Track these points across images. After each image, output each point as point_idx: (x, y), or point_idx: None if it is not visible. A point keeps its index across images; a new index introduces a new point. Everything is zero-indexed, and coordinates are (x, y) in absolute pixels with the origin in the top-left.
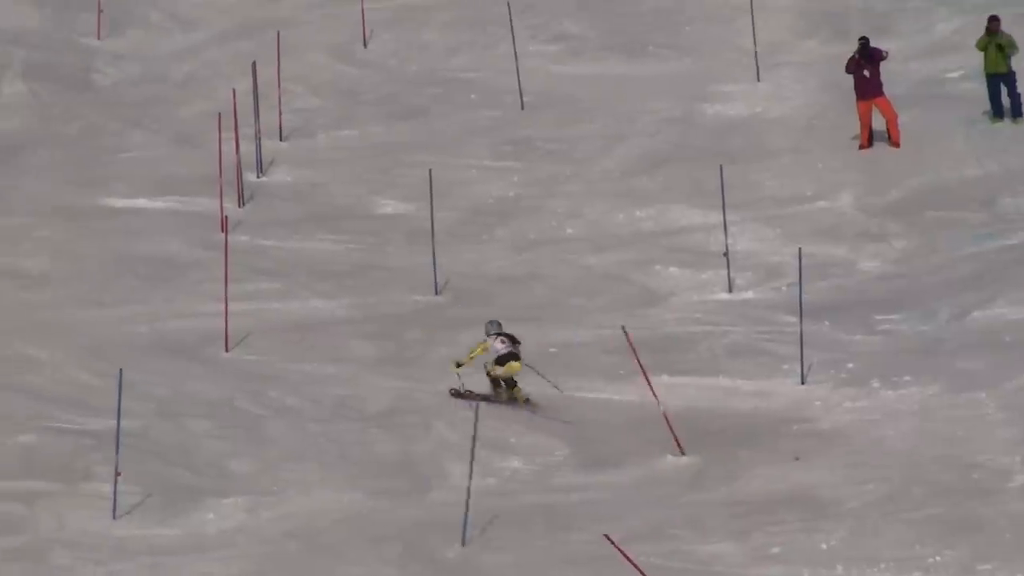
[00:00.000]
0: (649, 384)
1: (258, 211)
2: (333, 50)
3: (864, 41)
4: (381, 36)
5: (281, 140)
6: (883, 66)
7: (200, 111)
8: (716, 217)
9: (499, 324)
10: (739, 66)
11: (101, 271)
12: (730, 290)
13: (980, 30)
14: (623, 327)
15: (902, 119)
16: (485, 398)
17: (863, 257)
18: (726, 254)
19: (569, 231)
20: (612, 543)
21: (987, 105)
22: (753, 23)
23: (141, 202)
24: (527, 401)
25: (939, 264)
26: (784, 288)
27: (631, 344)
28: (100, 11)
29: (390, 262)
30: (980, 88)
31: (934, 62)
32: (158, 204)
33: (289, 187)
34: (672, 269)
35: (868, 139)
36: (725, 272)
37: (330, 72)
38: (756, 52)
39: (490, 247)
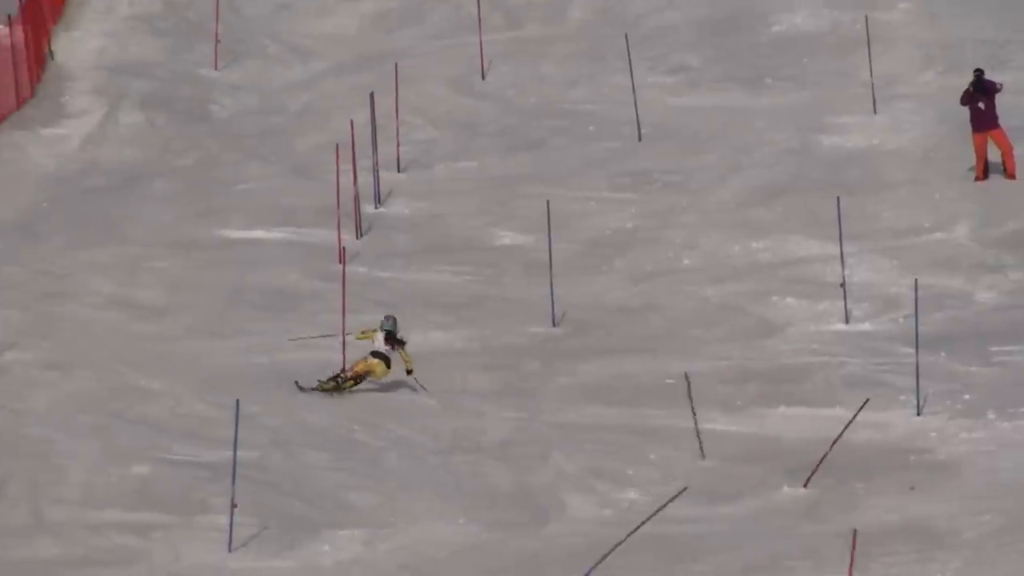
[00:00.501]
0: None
1: (375, 242)
2: (451, 82)
3: (979, 73)
4: (499, 68)
5: (399, 171)
6: (998, 98)
7: (317, 142)
8: (833, 248)
9: (394, 322)
10: (856, 98)
11: (217, 302)
12: (847, 321)
13: None
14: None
15: (1017, 151)
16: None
17: (979, 288)
18: (843, 285)
19: (686, 262)
20: None
21: None
22: (870, 55)
23: (258, 233)
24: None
25: None
26: (901, 319)
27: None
28: (218, 42)
29: (507, 293)
30: None
31: None
32: (275, 235)
33: (406, 219)
34: (789, 300)
35: (984, 171)
36: (842, 303)
37: (448, 104)
38: (873, 84)
39: (607, 278)
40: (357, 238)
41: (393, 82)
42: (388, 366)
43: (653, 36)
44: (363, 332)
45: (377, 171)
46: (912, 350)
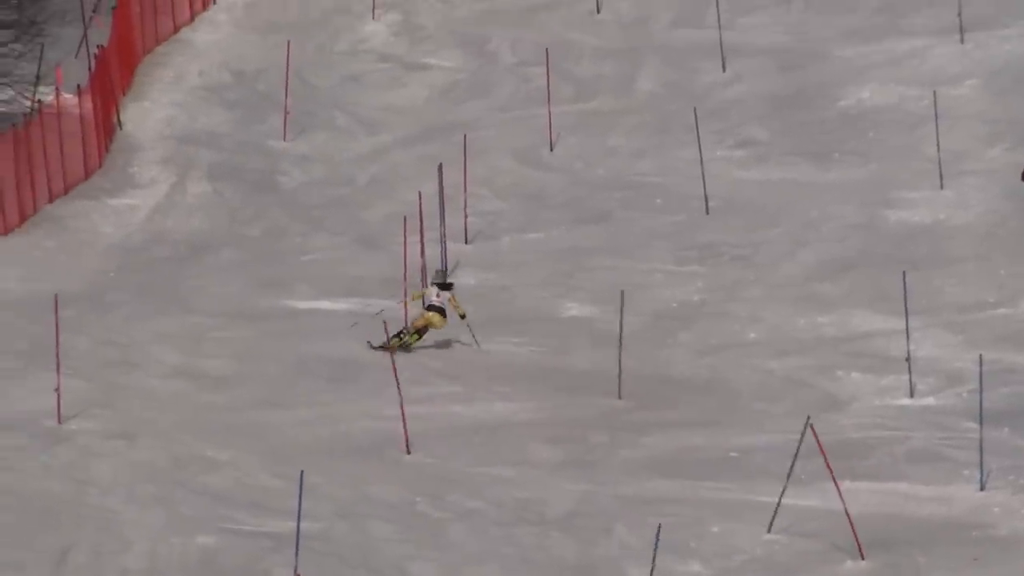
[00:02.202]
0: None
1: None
2: (519, 153)
3: None
4: (567, 140)
5: (466, 243)
6: None
7: (384, 213)
8: (898, 323)
9: (443, 275)
10: (922, 173)
11: (282, 372)
12: (911, 395)
13: None
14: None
15: None
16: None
17: None
18: (908, 359)
19: (751, 335)
20: None
21: None
22: (937, 130)
23: (324, 304)
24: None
25: None
26: (965, 394)
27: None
28: (287, 114)
29: (573, 365)
30: None
31: None
32: (341, 306)
33: (473, 289)
34: (854, 374)
35: None
36: (906, 378)
37: (515, 175)
38: (940, 159)
39: (673, 351)
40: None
41: (461, 153)
42: (444, 316)
43: (721, 109)
44: (416, 294)
45: (444, 242)
46: (976, 425)
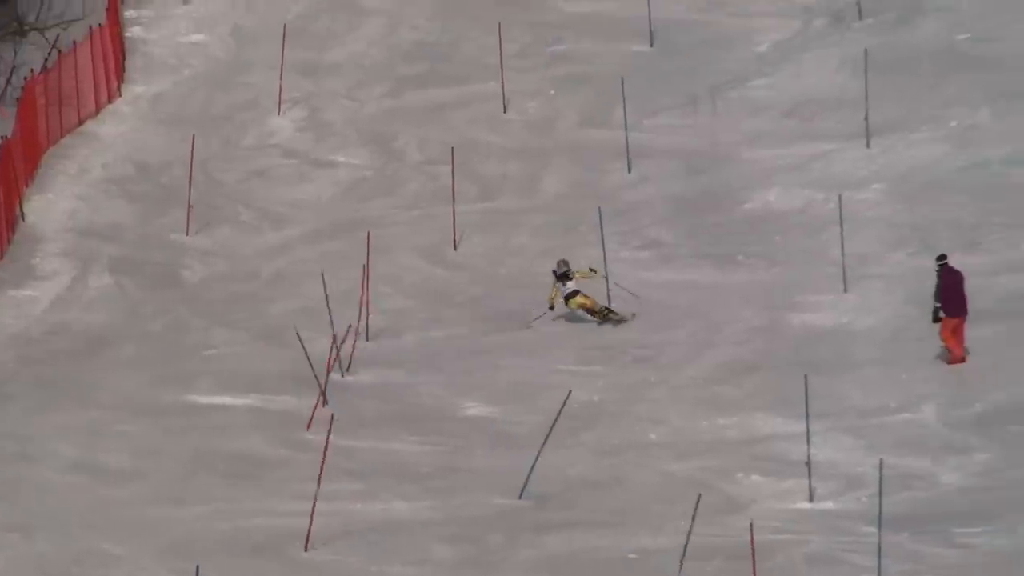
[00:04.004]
0: None
1: (342, 410)
2: (423, 251)
3: (943, 260)
4: (472, 239)
5: (368, 340)
6: (969, 281)
7: (287, 309)
8: (799, 426)
9: (564, 263)
10: (827, 276)
11: (182, 468)
12: (811, 499)
13: None
14: None
15: (987, 333)
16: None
17: (945, 470)
18: (808, 463)
19: (653, 437)
20: None
21: None
22: (842, 234)
23: (225, 399)
24: (617, 320)
25: (1020, 478)
26: (864, 498)
27: None
28: (191, 207)
29: (474, 464)
30: None
31: (1020, 277)
32: (242, 401)
33: (375, 387)
34: (754, 477)
35: (960, 354)
36: (807, 481)
37: (420, 273)
38: (844, 263)
39: (574, 451)
40: (323, 405)
41: (365, 250)
42: (580, 295)
43: (627, 211)
44: (551, 297)
45: (346, 339)
46: (875, 529)
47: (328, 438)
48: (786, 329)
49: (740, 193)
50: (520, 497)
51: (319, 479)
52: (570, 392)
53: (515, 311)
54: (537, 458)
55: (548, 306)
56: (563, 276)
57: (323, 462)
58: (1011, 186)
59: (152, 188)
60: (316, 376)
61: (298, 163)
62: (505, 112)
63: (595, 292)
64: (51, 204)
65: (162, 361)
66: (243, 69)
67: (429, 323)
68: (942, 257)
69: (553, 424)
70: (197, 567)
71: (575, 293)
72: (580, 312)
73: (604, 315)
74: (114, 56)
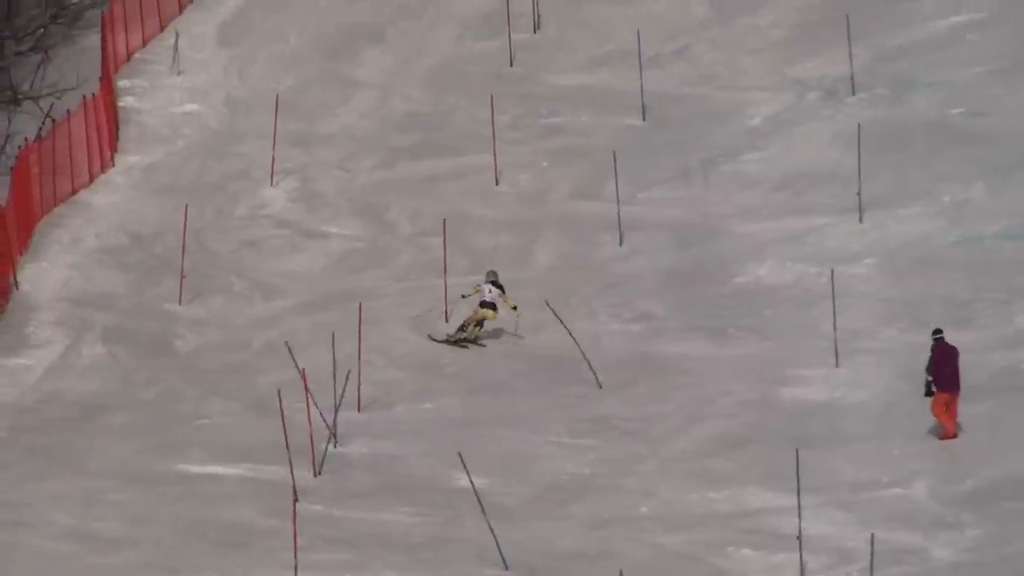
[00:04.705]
0: None
1: (333, 481)
2: (414, 323)
3: (938, 335)
4: (462, 310)
5: (359, 411)
6: (962, 356)
7: (279, 379)
8: (790, 500)
9: (495, 274)
10: (819, 351)
11: (174, 537)
12: (802, 574)
13: None
14: None
15: (980, 409)
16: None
17: (936, 545)
18: (799, 537)
19: (643, 510)
20: None
21: None
22: (834, 309)
23: (217, 468)
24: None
25: (1012, 555)
26: (855, 573)
27: None
28: (183, 277)
29: (464, 535)
30: None
31: (1013, 353)
32: (233, 471)
33: (365, 458)
34: (745, 551)
35: (952, 430)
36: (798, 555)
37: (411, 344)
38: (836, 337)
39: (564, 524)
40: (315, 476)
41: (356, 322)
42: (495, 310)
43: (618, 283)
44: (475, 289)
45: (337, 410)
46: None
47: (319, 508)
48: (777, 403)
49: (732, 266)
50: (507, 568)
51: (297, 551)
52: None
53: (506, 382)
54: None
55: (462, 295)
56: (493, 283)
57: (295, 533)
58: (1004, 261)
59: (145, 257)
60: (310, 446)
61: (290, 233)
62: (497, 184)
63: (502, 321)
64: (45, 273)
65: (155, 430)
66: (236, 139)
67: (420, 394)
68: (938, 331)
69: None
70: None
71: (492, 306)
72: (470, 321)
73: (465, 332)
74: (108, 126)
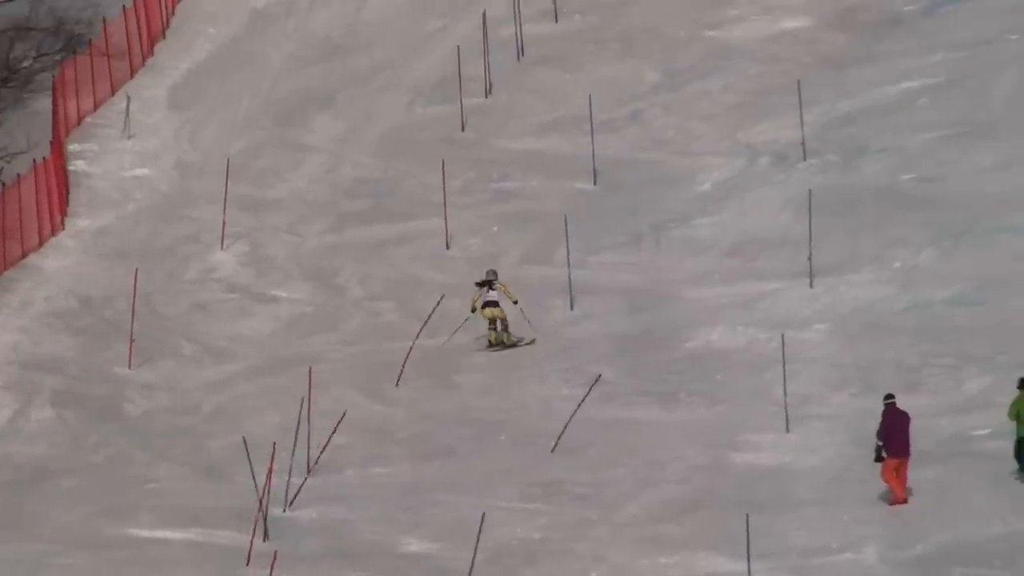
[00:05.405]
0: None
1: (283, 546)
2: (364, 388)
3: (890, 400)
4: (413, 376)
5: (309, 475)
6: (912, 423)
7: (228, 443)
8: (741, 566)
9: (494, 272)
10: (769, 416)
11: None
12: None
13: (1010, 387)
14: None
15: (929, 474)
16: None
17: None
18: None
19: (593, 575)
20: None
21: (1014, 464)
22: (785, 374)
23: (166, 533)
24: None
25: None
26: None
27: None
28: (133, 341)
29: None
30: (1007, 447)
31: (962, 419)
32: (183, 535)
33: (315, 522)
34: None
35: (902, 495)
36: None
37: (360, 409)
38: (786, 403)
39: None
40: (264, 541)
41: (307, 386)
42: (499, 307)
43: (569, 348)
44: (474, 299)
45: (287, 475)
46: None
47: (268, 573)
48: (728, 468)
49: (683, 331)
50: None
51: None
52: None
53: (455, 447)
54: None
55: (471, 308)
56: (487, 284)
57: None
58: (954, 327)
59: (95, 321)
60: (260, 510)
61: (240, 297)
62: (448, 248)
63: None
64: None
65: (104, 494)
66: (186, 203)
67: (370, 459)
68: (890, 396)
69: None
70: None
71: (495, 304)
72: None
73: (509, 342)
74: (58, 189)
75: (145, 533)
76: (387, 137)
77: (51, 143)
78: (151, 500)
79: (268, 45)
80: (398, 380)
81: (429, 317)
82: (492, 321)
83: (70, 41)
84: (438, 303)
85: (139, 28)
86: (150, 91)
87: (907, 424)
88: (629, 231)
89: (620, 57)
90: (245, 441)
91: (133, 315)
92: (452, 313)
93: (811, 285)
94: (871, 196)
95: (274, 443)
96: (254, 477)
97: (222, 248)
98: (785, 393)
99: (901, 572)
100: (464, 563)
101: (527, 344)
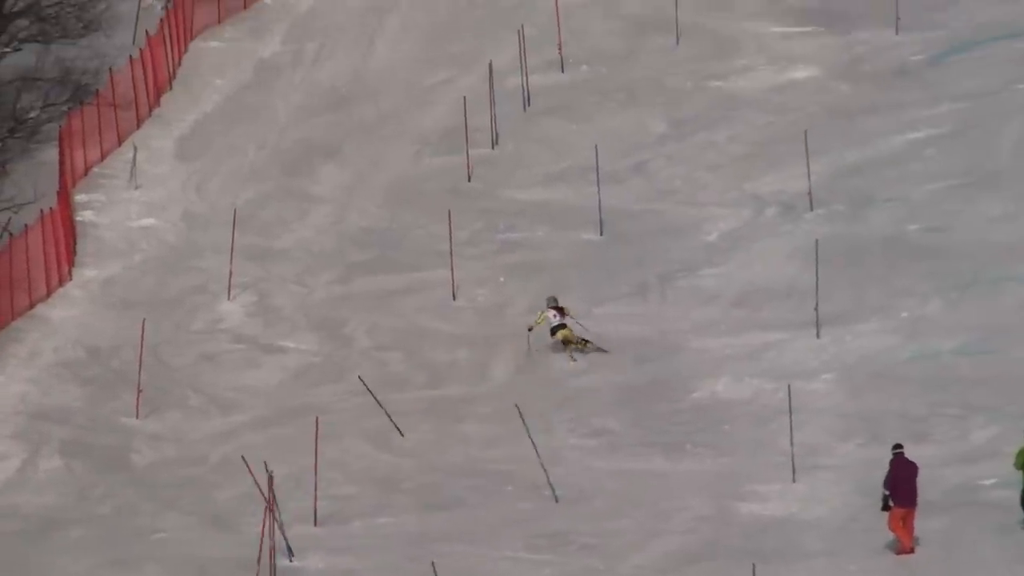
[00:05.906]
0: None
1: None
2: (371, 438)
3: (898, 450)
4: (420, 426)
5: (315, 525)
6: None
7: (235, 494)
8: None
9: (555, 299)
10: (775, 466)
11: None
12: None
13: (1016, 437)
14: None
15: (936, 524)
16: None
17: None
18: None
19: None
20: None
21: (1020, 514)
22: (791, 424)
23: None
24: (590, 349)
25: None
26: None
27: None
28: (140, 391)
29: None
30: (1014, 496)
31: (969, 468)
32: None
33: (322, 573)
34: None
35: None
36: None
37: (368, 460)
38: (793, 453)
39: None
40: None
41: (313, 436)
42: (567, 328)
43: (575, 398)
44: (538, 318)
45: (294, 525)
46: None
47: None
48: (734, 518)
49: (689, 382)
50: None
51: None
52: None
53: (462, 497)
54: None
55: (528, 328)
56: (557, 308)
57: None
58: (961, 378)
59: (102, 372)
60: (270, 561)
61: (247, 348)
62: (455, 299)
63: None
64: (2, 387)
65: (111, 544)
66: (193, 254)
67: (376, 509)
68: (898, 446)
69: None
70: None
71: (563, 327)
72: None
73: (582, 346)
74: (65, 240)
75: None
76: (393, 187)
77: (58, 193)
78: (158, 551)
79: (274, 96)
80: (402, 430)
81: None
82: (566, 342)
83: (77, 91)
84: None
85: (146, 78)
86: (157, 141)
87: (915, 474)
88: (635, 281)
89: (626, 107)
90: (270, 483)
91: (140, 365)
92: (460, 363)
93: (818, 335)
94: (878, 246)
95: (271, 496)
96: (264, 526)
97: (229, 298)
98: (791, 443)
99: None
100: None
101: (603, 352)
